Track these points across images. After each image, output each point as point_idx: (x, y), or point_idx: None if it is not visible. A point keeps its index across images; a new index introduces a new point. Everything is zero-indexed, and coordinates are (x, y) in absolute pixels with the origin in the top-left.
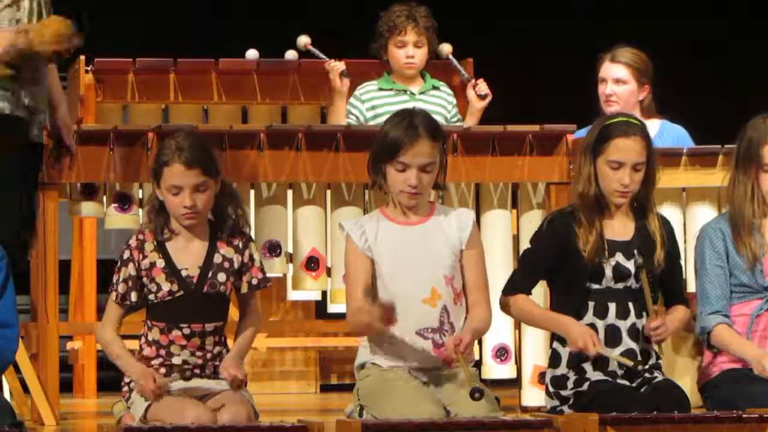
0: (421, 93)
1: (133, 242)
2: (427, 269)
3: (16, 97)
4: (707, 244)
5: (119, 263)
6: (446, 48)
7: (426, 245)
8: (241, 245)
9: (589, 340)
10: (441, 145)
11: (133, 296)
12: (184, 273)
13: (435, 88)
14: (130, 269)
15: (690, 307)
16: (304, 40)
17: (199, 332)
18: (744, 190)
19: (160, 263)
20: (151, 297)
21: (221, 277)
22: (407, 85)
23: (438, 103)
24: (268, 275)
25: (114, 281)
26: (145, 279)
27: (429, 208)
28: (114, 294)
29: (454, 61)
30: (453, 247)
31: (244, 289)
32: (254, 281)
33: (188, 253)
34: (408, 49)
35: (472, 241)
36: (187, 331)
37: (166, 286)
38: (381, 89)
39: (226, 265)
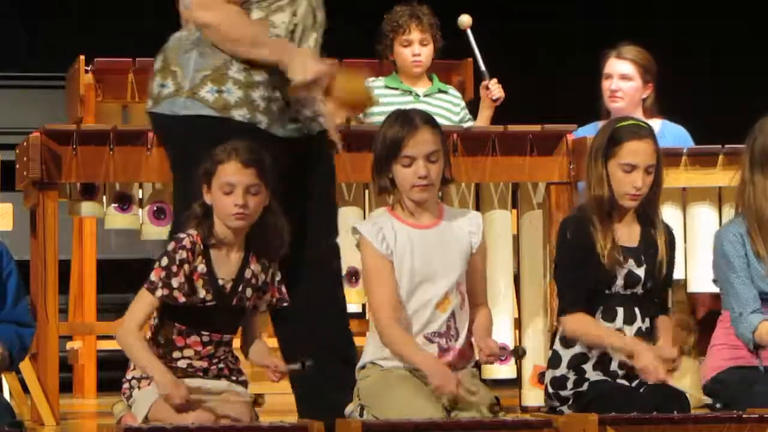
0: (426, 95)
1: (187, 243)
2: (442, 274)
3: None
4: (730, 248)
5: (169, 261)
6: (465, 20)
7: (441, 250)
8: (267, 263)
9: (658, 367)
10: (441, 135)
11: (183, 298)
12: (220, 282)
13: (442, 91)
14: (186, 270)
15: (670, 314)
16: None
17: (217, 341)
18: (762, 191)
19: (202, 269)
20: (183, 299)
21: (248, 292)
22: (413, 85)
23: (443, 106)
24: (285, 294)
25: (157, 279)
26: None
27: (438, 209)
28: (159, 292)
29: (472, 41)
30: (465, 252)
31: (262, 307)
32: (273, 300)
33: (226, 263)
34: (414, 48)
35: (481, 245)
36: (206, 338)
37: (201, 293)
38: (387, 87)
39: (254, 281)
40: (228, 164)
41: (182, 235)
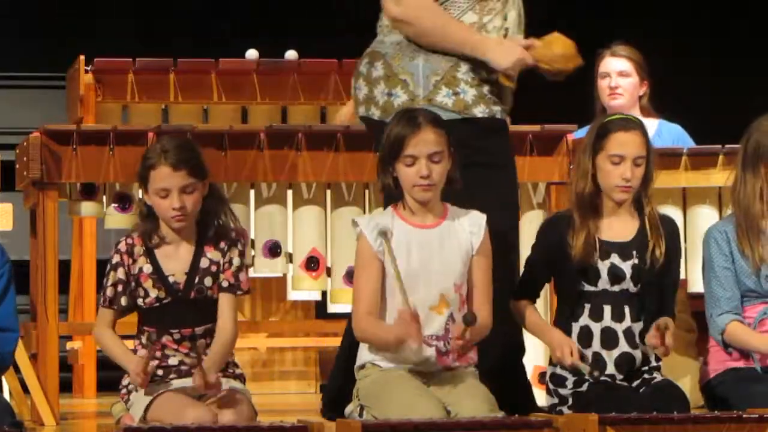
0: None
1: (122, 246)
2: (438, 276)
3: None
4: (714, 246)
5: (109, 267)
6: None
7: (440, 251)
8: (225, 248)
9: (566, 350)
10: (446, 135)
11: (123, 301)
12: (171, 279)
13: None
14: (120, 273)
15: (675, 318)
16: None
17: (189, 336)
18: (752, 189)
19: (148, 269)
20: (140, 302)
21: (207, 281)
22: None
23: None
24: (246, 279)
25: (104, 285)
26: (133, 284)
27: (442, 210)
28: (102, 298)
29: None
30: (465, 254)
31: (216, 291)
32: (224, 283)
33: (175, 258)
34: None
35: (483, 246)
36: (177, 336)
37: (153, 293)
38: None
39: (213, 268)
40: (159, 169)
41: (120, 240)
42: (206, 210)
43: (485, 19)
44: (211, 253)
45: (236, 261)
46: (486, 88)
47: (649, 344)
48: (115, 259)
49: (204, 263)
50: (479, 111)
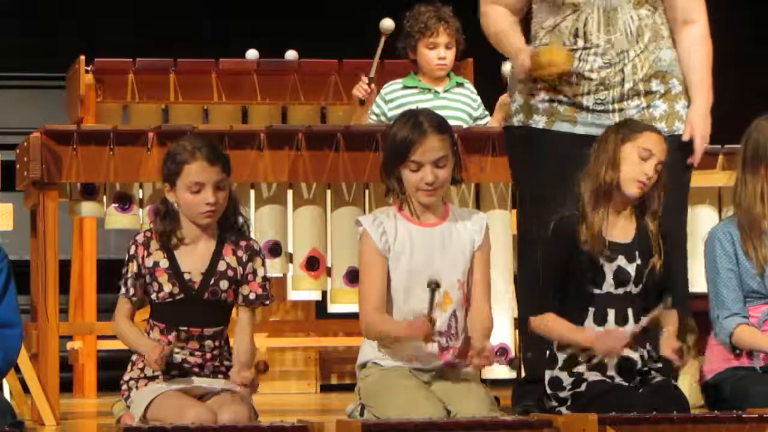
0: (446, 91)
1: (140, 238)
2: (442, 273)
3: None
4: (718, 248)
5: (127, 258)
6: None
7: (443, 248)
8: (245, 257)
9: (617, 344)
10: (450, 138)
11: (139, 292)
12: (186, 276)
13: (459, 85)
14: (134, 266)
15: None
16: (388, 24)
17: (198, 336)
18: (753, 191)
19: (164, 263)
20: (153, 296)
21: (223, 284)
22: (432, 83)
23: (462, 100)
24: (269, 291)
25: (123, 275)
26: (148, 277)
27: (443, 210)
28: (123, 289)
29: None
30: (467, 251)
31: (240, 301)
32: (251, 296)
33: (194, 256)
34: (440, 51)
35: (484, 244)
36: (185, 334)
37: (167, 288)
38: (406, 87)
39: (230, 273)
40: (194, 163)
41: (139, 231)
42: (227, 211)
43: (559, 20)
44: (229, 258)
45: (261, 271)
46: (536, 99)
47: (667, 357)
48: (132, 250)
49: (222, 266)
50: (517, 120)
